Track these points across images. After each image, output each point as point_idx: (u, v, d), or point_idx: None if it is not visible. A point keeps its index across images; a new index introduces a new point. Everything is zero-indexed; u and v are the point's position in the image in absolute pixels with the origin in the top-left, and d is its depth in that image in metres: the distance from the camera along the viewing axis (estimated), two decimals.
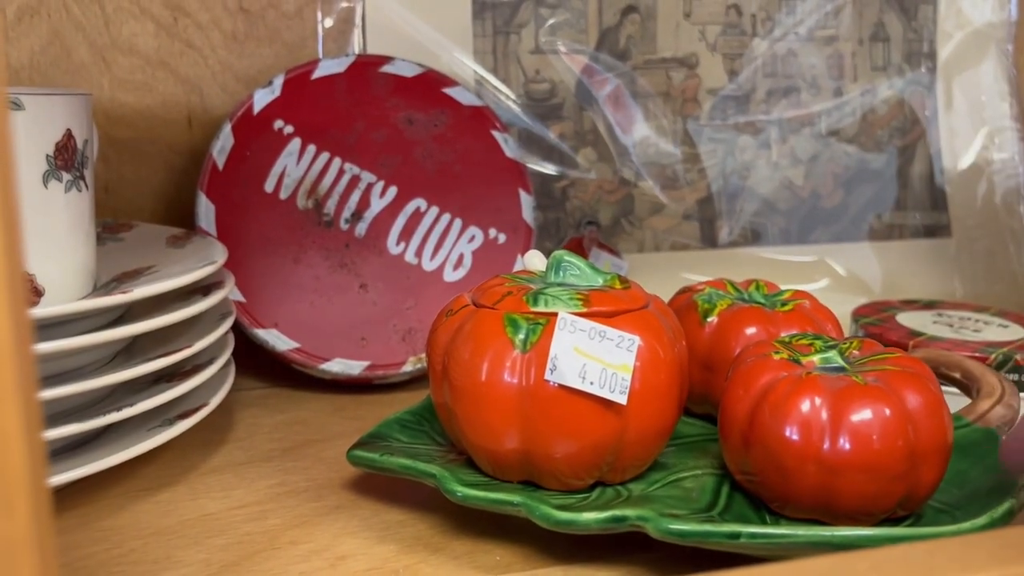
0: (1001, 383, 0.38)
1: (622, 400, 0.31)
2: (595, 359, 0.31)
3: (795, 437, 0.31)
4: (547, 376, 0.31)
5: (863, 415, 0.30)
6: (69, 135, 0.37)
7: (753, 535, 0.29)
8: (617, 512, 0.30)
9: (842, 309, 0.61)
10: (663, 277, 0.59)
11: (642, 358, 0.32)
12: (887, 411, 0.30)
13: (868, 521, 0.31)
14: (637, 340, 0.32)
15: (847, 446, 0.30)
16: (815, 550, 0.29)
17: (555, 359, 0.31)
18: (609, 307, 0.33)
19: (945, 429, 0.31)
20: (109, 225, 0.48)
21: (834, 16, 0.62)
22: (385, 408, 0.47)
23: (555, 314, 0.32)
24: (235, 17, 0.53)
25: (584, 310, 0.33)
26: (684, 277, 0.60)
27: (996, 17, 0.66)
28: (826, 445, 0.30)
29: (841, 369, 0.33)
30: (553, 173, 0.58)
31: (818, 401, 0.31)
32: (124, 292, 0.33)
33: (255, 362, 0.51)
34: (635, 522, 0.30)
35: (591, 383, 0.31)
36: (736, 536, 0.29)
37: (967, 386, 0.39)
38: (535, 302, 0.33)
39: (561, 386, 0.31)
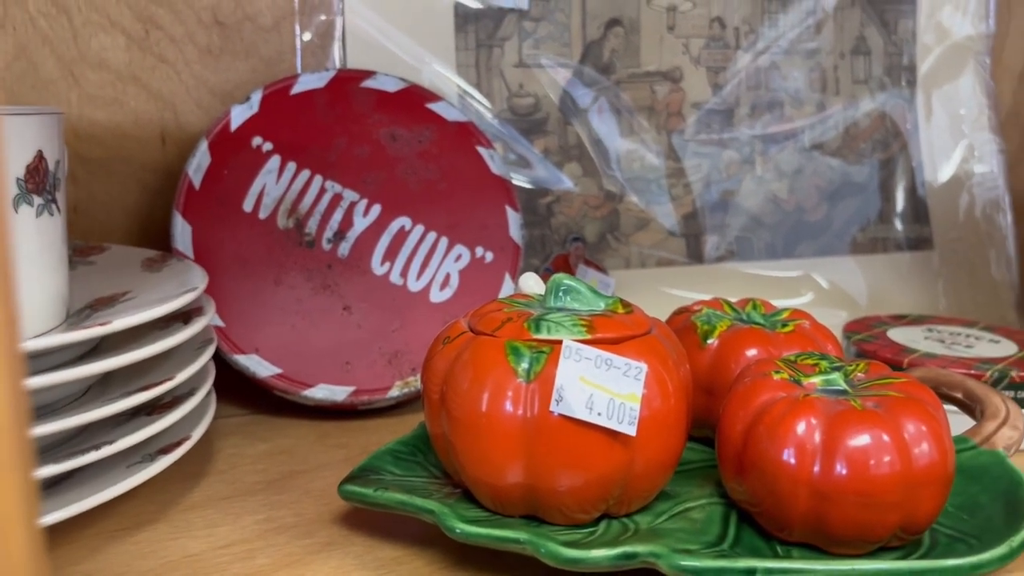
0: (1005, 404, 0.37)
1: (631, 431, 0.30)
2: (602, 389, 0.30)
3: (788, 459, 0.30)
4: (552, 407, 0.30)
5: (857, 440, 0.29)
6: (40, 157, 0.35)
7: (769, 571, 0.28)
8: (628, 548, 0.29)
9: (828, 323, 0.60)
10: (650, 293, 0.58)
11: (649, 386, 0.31)
12: (883, 437, 0.29)
13: (862, 549, 0.30)
14: (645, 368, 0.31)
15: (840, 471, 0.29)
16: None
17: (561, 389, 0.30)
18: (613, 333, 0.32)
19: (945, 459, 0.30)
20: (80, 248, 0.46)
21: (816, 30, 0.62)
22: (371, 435, 0.46)
23: (559, 342, 0.31)
24: (210, 31, 0.51)
25: (588, 337, 0.32)
26: (671, 293, 0.59)
27: (975, 30, 0.66)
28: (816, 468, 0.30)
29: (843, 392, 0.32)
30: (537, 188, 0.56)
31: (813, 423, 0.30)
32: (103, 324, 0.31)
33: (234, 387, 0.49)
34: (647, 558, 0.29)
35: (599, 414, 0.30)
36: (752, 572, 0.28)
37: (970, 407, 0.38)
38: (537, 329, 0.32)
39: (567, 417, 0.30)
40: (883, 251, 0.64)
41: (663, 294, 0.59)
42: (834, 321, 0.61)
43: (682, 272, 0.59)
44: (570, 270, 0.57)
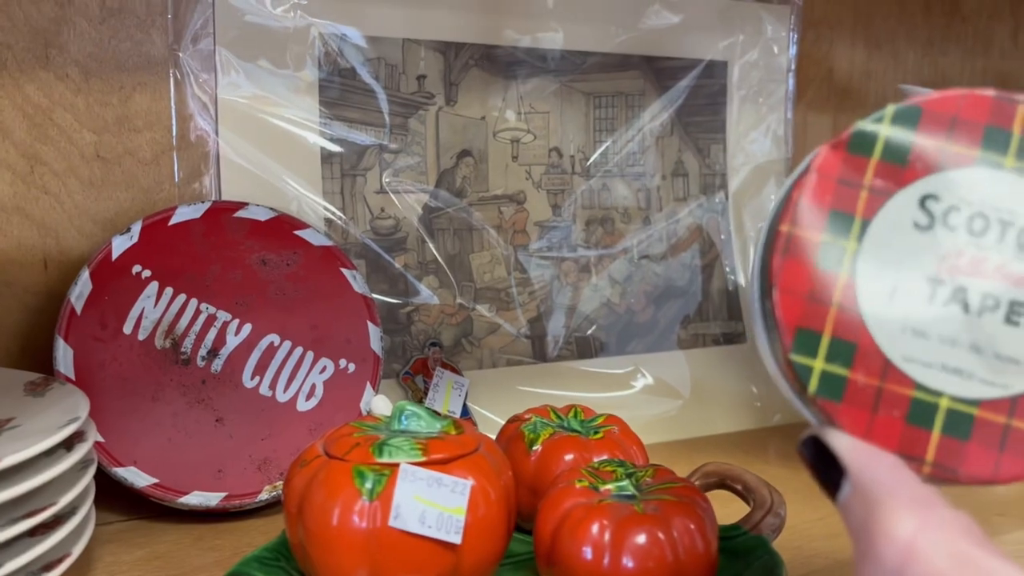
0: (771, 495, 0.46)
1: (456, 540, 0.36)
2: (433, 504, 0.36)
3: (585, 555, 0.37)
4: (391, 522, 0.36)
5: (637, 539, 0.37)
6: None
7: None
8: None
9: (654, 411, 0.70)
10: (500, 390, 0.65)
11: (474, 498, 0.38)
12: (658, 535, 0.37)
13: None
14: (469, 484, 0.37)
15: (627, 564, 0.37)
16: None
17: (398, 507, 0.36)
18: (445, 454, 0.39)
19: (709, 551, 0.38)
20: None
21: (641, 155, 0.72)
22: (241, 536, 0.50)
23: (398, 465, 0.37)
24: (91, 164, 0.56)
25: (423, 459, 0.38)
26: (519, 389, 0.66)
27: (775, 154, 0.78)
28: (606, 562, 0.37)
29: (631, 497, 0.40)
30: (399, 301, 0.63)
31: (604, 525, 0.38)
32: None
33: (112, 493, 0.53)
34: None
35: (429, 527, 0.36)
36: None
37: (746, 496, 0.47)
38: (380, 453, 0.38)
39: (404, 530, 0.36)
40: (703, 345, 0.73)
41: (512, 390, 0.66)
42: (661, 408, 0.70)
43: (528, 370, 0.67)
44: (428, 372, 0.64)
